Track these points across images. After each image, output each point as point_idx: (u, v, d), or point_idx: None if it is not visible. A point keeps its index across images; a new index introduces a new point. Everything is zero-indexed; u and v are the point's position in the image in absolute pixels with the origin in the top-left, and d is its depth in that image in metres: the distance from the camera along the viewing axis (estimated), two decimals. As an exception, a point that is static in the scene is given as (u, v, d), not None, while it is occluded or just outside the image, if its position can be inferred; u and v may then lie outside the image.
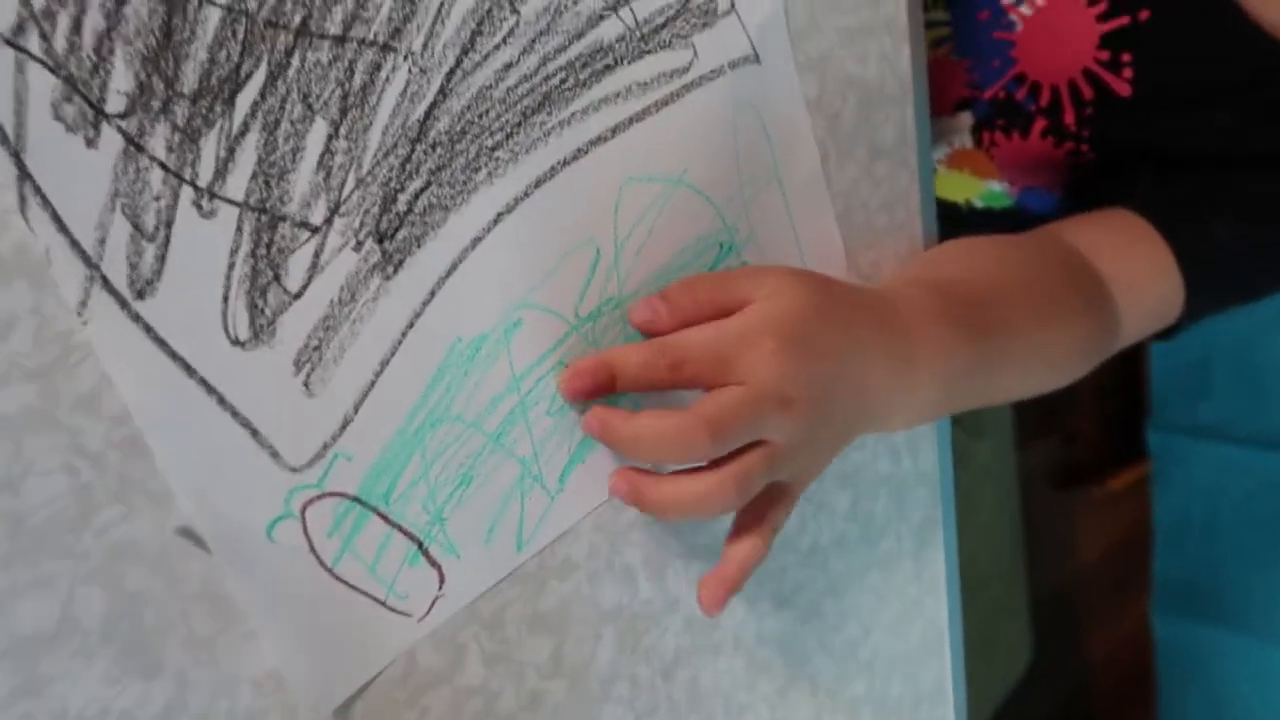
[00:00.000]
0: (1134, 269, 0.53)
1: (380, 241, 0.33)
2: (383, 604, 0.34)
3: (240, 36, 0.29)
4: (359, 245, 0.32)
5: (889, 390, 0.41)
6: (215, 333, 0.30)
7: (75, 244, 0.27)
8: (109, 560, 0.28)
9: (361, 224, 0.32)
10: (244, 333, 0.30)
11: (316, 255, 0.32)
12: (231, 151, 0.30)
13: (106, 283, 0.28)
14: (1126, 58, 0.59)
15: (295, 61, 0.30)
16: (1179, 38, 0.57)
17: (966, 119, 0.65)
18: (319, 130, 0.31)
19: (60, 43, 0.27)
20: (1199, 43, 0.56)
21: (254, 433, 0.31)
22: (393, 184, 0.33)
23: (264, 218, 0.30)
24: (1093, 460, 1.32)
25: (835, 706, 0.51)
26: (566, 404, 0.38)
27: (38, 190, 0.27)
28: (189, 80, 0.29)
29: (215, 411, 0.30)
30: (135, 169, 0.28)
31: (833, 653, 0.50)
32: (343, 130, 0.32)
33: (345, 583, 0.33)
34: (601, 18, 0.37)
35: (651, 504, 0.37)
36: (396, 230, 0.33)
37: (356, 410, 0.33)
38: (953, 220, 0.69)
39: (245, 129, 0.30)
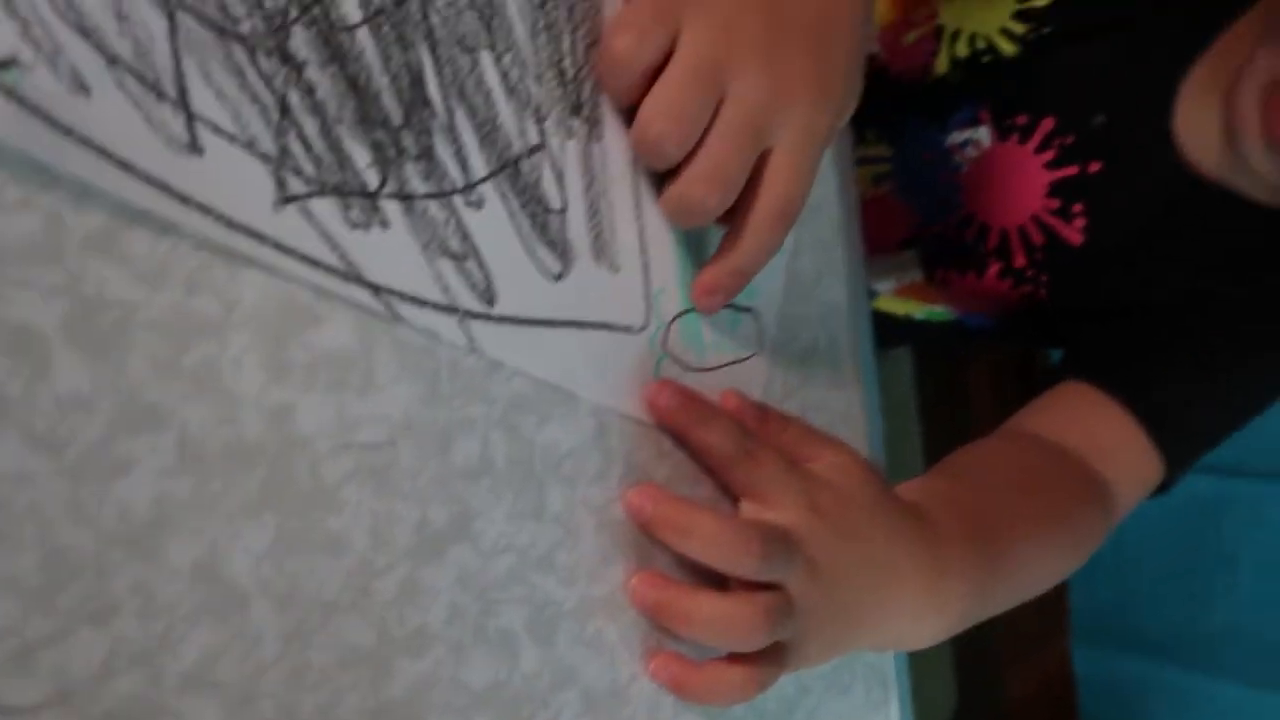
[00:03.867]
0: (1112, 449, 0.52)
1: (578, 114, 0.33)
2: (745, 360, 0.40)
3: (393, 35, 0.28)
4: (570, 131, 0.33)
5: (915, 602, 0.40)
6: (543, 283, 0.32)
7: (435, 306, 0.29)
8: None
9: (560, 112, 0.32)
10: (556, 267, 0.32)
11: (553, 166, 0.32)
12: (457, 141, 0.30)
13: (470, 314, 0.30)
14: (1078, 208, 0.54)
15: (433, 18, 0.29)
16: (1130, 189, 0.53)
17: (914, 258, 0.61)
18: (487, 63, 0.30)
19: (310, 169, 0.26)
20: (1149, 194, 0.52)
21: (610, 328, 0.34)
22: (554, 58, 0.32)
23: (509, 170, 0.31)
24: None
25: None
26: None
27: (392, 293, 0.28)
28: (394, 110, 0.28)
29: (584, 335, 0.33)
30: (420, 215, 0.28)
31: (765, 716, 0.41)
32: (499, 46, 0.31)
33: (713, 368, 0.39)
34: None
35: (679, 614, 0.35)
36: (580, 92, 0.33)
37: (644, 253, 0.36)
38: (889, 328, 0.65)
39: (450, 112, 0.29)
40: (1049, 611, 1.13)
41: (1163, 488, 0.55)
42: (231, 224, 0.25)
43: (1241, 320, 0.53)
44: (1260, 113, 0.46)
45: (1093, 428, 0.52)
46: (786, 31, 0.33)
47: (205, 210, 0.24)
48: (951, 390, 1.06)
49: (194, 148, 0.24)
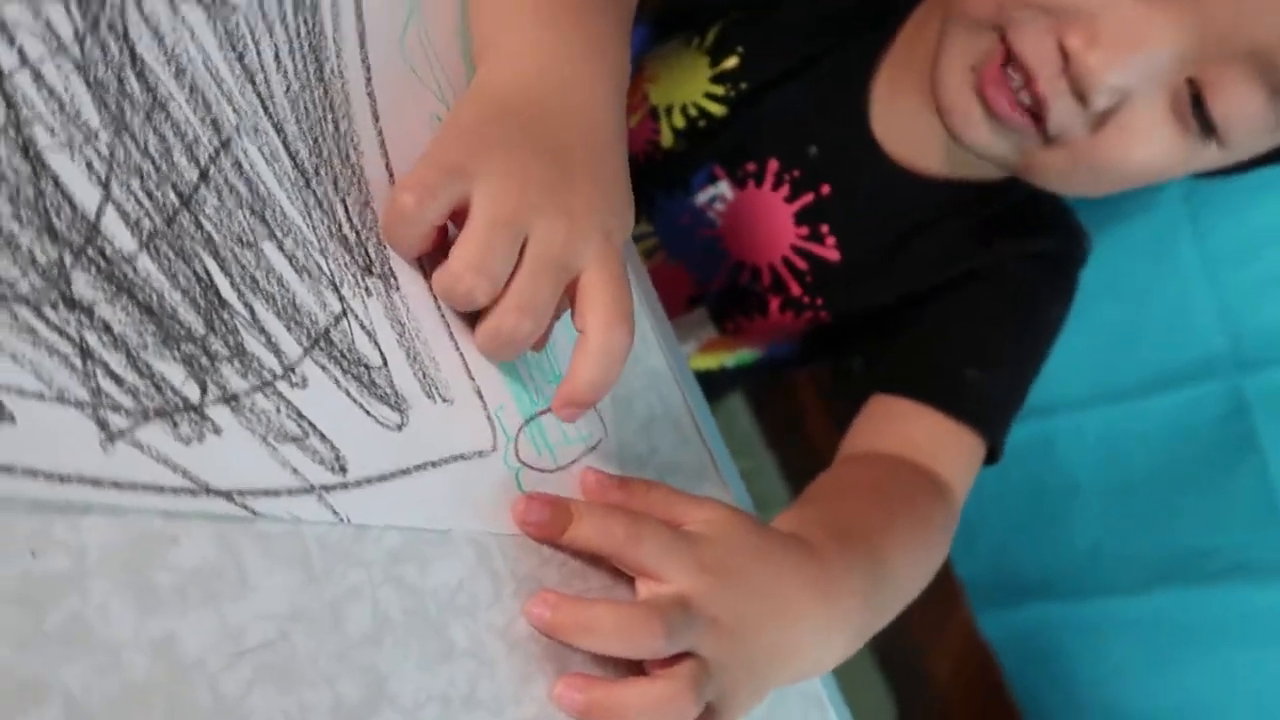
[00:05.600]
0: (936, 446, 0.56)
1: (371, 273, 0.35)
2: (593, 449, 0.41)
3: (172, 252, 0.29)
4: (369, 291, 0.34)
5: (816, 628, 0.42)
6: (387, 436, 0.33)
7: (291, 492, 0.29)
8: None
9: (354, 276, 0.34)
10: (395, 418, 0.33)
11: (363, 326, 0.34)
12: (265, 331, 0.30)
13: (328, 489, 0.30)
14: (825, 228, 0.60)
15: (207, 226, 0.30)
16: (860, 201, 0.58)
17: (704, 314, 0.65)
18: (272, 252, 0.32)
19: (129, 401, 0.26)
20: (877, 199, 0.58)
21: (463, 458, 0.35)
22: (333, 227, 0.34)
23: (323, 343, 0.32)
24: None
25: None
26: None
27: (245, 493, 0.28)
28: (194, 321, 0.29)
29: (440, 473, 0.34)
30: (249, 412, 0.29)
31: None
32: (277, 231, 0.32)
33: (568, 465, 0.40)
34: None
35: (611, 711, 0.35)
36: (368, 252, 0.35)
37: (473, 378, 0.37)
38: (708, 382, 0.69)
39: (250, 307, 0.30)
40: (943, 590, 1.13)
41: (991, 457, 0.59)
42: (63, 479, 0.25)
43: (998, 287, 0.59)
44: (977, 94, 0.49)
45: (910, 433, 0.56)
46: (570, 169, 0.36)
47: (32, 474, 0.24)
48: (788, 416, 1.11)
49: (3, 416, 0.24)
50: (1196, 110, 0.46)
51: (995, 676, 1.20)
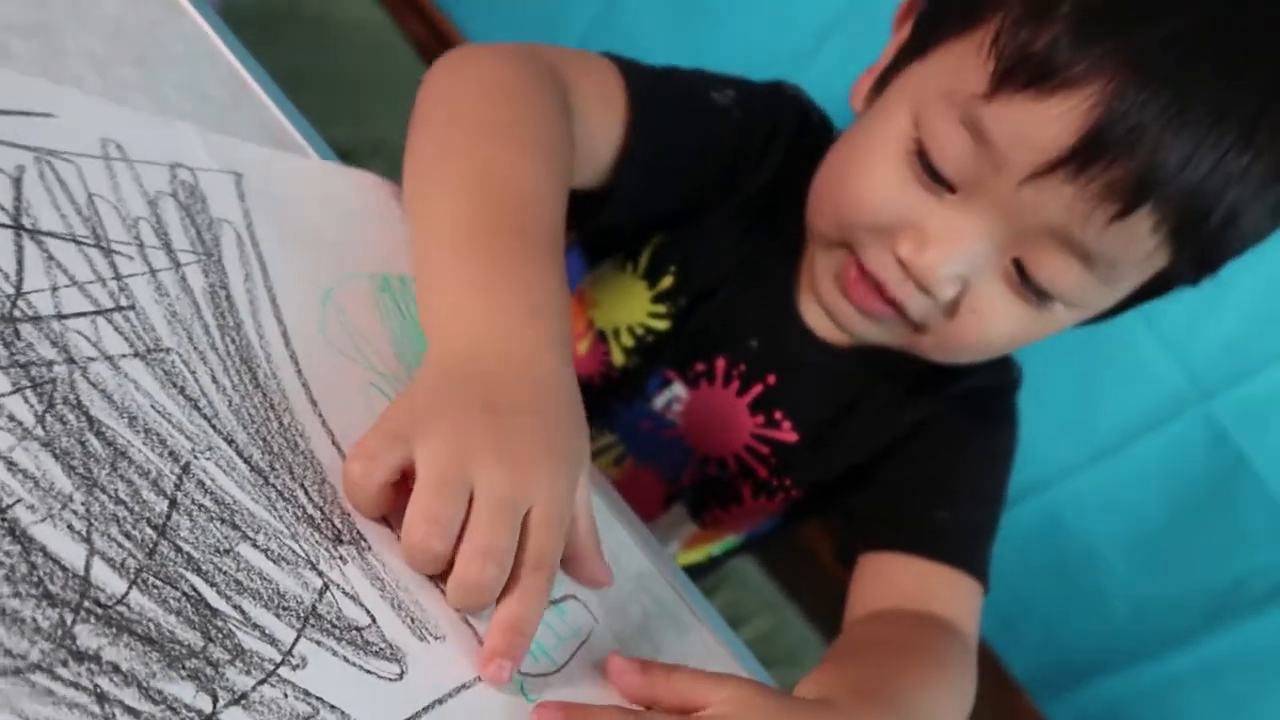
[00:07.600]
0: (929, 591, 0.59)
1: (341, 542, 0.38)
2: (585, 641, 0.44)
3: (159, 580, 0.32)
4: (344, 559, 0.37)
5: None
6: (392, 687, 0.35)
7: (314, 768, 0.31)
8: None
9: (327, 550, 0.37)
10: (393, 669, 0.36)
11: (345, 592, 0.36)
12: (256, 625, 0.33)
13: (348, 754, 0.32)
14: (778, 414, 0.66)
15: (185, 548, 0.33)
16: (804, 382, 0.65)
17: (681, 511, 0.70)
18: (247, 551, 0.35)
19: (148, 727, 0.29)
20: (819, 378, 0.65)
21: (466, 686, 0.38)
22: (298, 511, 0.37)
23: (312, 620, 0.35)
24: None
25: None
26: None
27: (271, 782, 0.30)
28: (193, 636, 0.31)
29: (450, 705, 0.36)
30: (259, 705, 0.32)
31: None
32: (249, 532, 0.35)
33: (567, 662, 0.42)
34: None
35: None
36: (335, 525, 0.38)
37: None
38: (704, 572, 0.76)
39: (239, 608, 0.33)
40: (1003, 692, 1.14)
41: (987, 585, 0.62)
42: (104, 818, 0.27)
43: (941, 429, 0.65)
44: (845, 298, 0.57)
45: (902, 584, 0.60)
46: (512, 420, 0.39)
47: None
48: (799, 562, 1.13)
49: (40, 778, 0.26)
50: (1025, 284, 0.53)
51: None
